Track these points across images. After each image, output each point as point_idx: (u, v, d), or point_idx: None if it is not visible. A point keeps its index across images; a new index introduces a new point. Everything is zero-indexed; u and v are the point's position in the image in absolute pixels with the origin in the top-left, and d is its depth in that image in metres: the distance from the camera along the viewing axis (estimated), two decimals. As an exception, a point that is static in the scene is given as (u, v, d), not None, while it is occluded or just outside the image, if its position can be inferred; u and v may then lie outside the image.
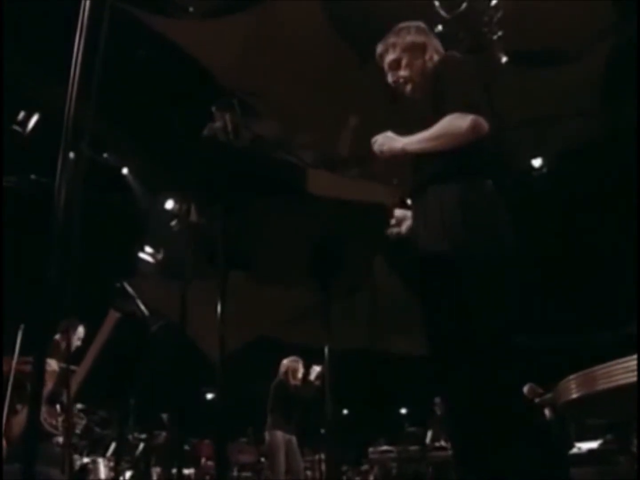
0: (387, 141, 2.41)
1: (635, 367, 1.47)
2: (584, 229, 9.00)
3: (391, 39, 2.56)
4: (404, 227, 2.55)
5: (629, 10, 6.19)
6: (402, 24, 2.61)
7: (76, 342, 4.43)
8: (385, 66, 2.58)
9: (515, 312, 2.18)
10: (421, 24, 2.63)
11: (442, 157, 2.25)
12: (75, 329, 4.45)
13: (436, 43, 2.57)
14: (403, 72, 2.53)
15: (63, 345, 4.27)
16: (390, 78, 2.58)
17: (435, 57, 2.52)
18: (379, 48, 2.60)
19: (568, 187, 9.06)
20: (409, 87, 2.54)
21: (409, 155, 2.37)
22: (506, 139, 2.31)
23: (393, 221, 2.55)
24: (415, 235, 2.38)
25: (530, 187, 8.77)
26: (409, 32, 2.56)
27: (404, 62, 2.52)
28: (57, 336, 4.23)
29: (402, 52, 2.52)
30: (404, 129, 2.42)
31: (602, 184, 8.50)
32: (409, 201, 2.54)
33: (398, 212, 2.57)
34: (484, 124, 2.17)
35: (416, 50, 2.51)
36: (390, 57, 2.55)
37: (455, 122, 2.18)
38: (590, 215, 8.79)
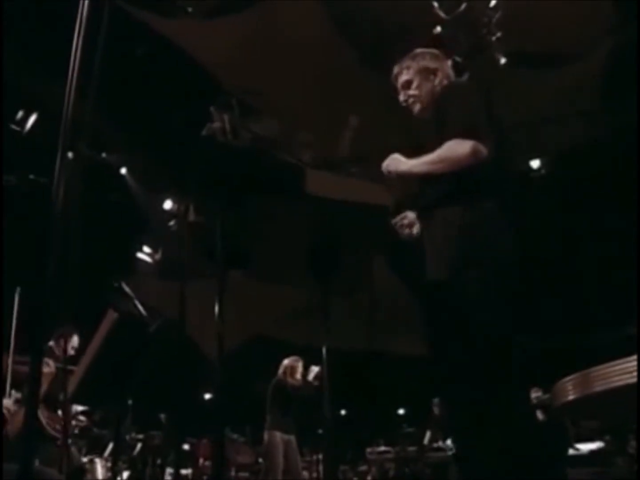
0: (394, 163, 2.58)
1: (632, 369, 1.47)
2: (584, 229, 9.00)
3: (407, 62, 2.77)
4: (415, 230, 2.72)
5: (629, 10, 6.19)
6: (419, 50, 2.83)
7: (70, 350, 4.40)
8: (399, 86, 2.79)
9: (514, 329, 2.29)
10: (437, 52, 2.85)
11: (445, 180, 2.40)
12: (70, 336, 4.44)
13: (448, 70, 2.77)
14: (413, 92, 2.72)
15: (57, 350, 4.27)
16: (401, 97, 2.78)
17: (445, 83, 2.72)
18: (395, 69, 2.80)
19: (568, 188, 9.07)
20: (417, 107, 2.73)
21: (413, 176, 2.53)
22: (506, 146, 2.36)
23: (405, 221, 2.74)
24: (423, 257, 2.51)
25: (530, 188, 8.77)
26: (424, 57, 2.77)
27: (414, 83, 2.72)
28: (52, 342, 4.24)
29: (415, 74, 2.73)
30: (404, 133, 2.48)
31: (602, 184, 8.50)
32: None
33: (410, 215, 2.75)
34: (483, 150, 2.32)
35: (428, 74, 2.72)
36: (403, 77, 2.76)
37: (456, 148, 2.34)
38: (590, 215, 8.80)
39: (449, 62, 2.85)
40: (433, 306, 2.45)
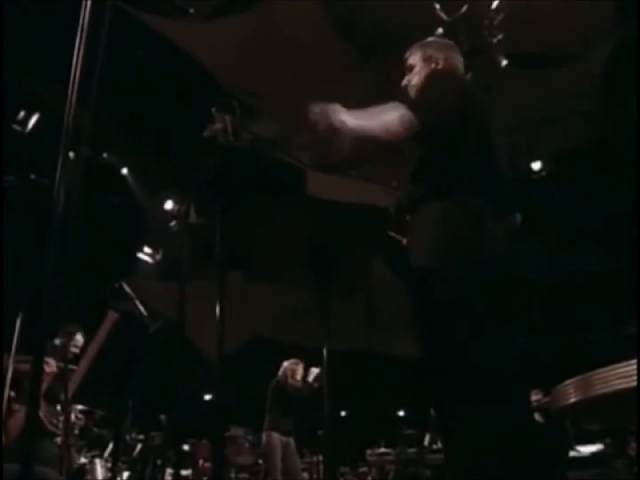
0: (329, 112, 2.34)
1: (632, 372, 1.47)
2: (584, 229, 9.00)
3: (415, 48, 2.76)
4: None
5: (629, 11, 6.19)
6: (432, 38, 2.84)
7: (74, 349, 4.40)
8: (405, 69, 2.77)
9: (513, 330, 2.26)
10: (451, 42, 2.81)
11: (433, 175, 2.38)
12: (74, 334, 4.43)
13: (454, 61, 2.70)
14: (411, 77, 2.70)
15: (63, 349, 4.27)
16: (404, 81, 2.75)
17: None
18: (407, 53, 2.78)
19: (568, 188, 9.07)
20: (412, 92, 2.67)
21: (347, 132, 2.32)
22: (498, 145, 2.35)
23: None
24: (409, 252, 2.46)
25: (530, 189, 8.77)
26: (432, 45, 2.76)
27: (416, 69, 2.70)
28: (57, 340, 4.24)
29: (419, 60, 2.70)
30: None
31: (601, 184, 8.51)
32: None
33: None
34: (413, 121, 2.25)
35: (431, 62, 2.67)
36: (409, 61, 2.74)
37: (389, 110, 2.30)
38: (589, 215, 8.80)
39: (459, 55, 2.78)
40: (417, 304, 2.39)
